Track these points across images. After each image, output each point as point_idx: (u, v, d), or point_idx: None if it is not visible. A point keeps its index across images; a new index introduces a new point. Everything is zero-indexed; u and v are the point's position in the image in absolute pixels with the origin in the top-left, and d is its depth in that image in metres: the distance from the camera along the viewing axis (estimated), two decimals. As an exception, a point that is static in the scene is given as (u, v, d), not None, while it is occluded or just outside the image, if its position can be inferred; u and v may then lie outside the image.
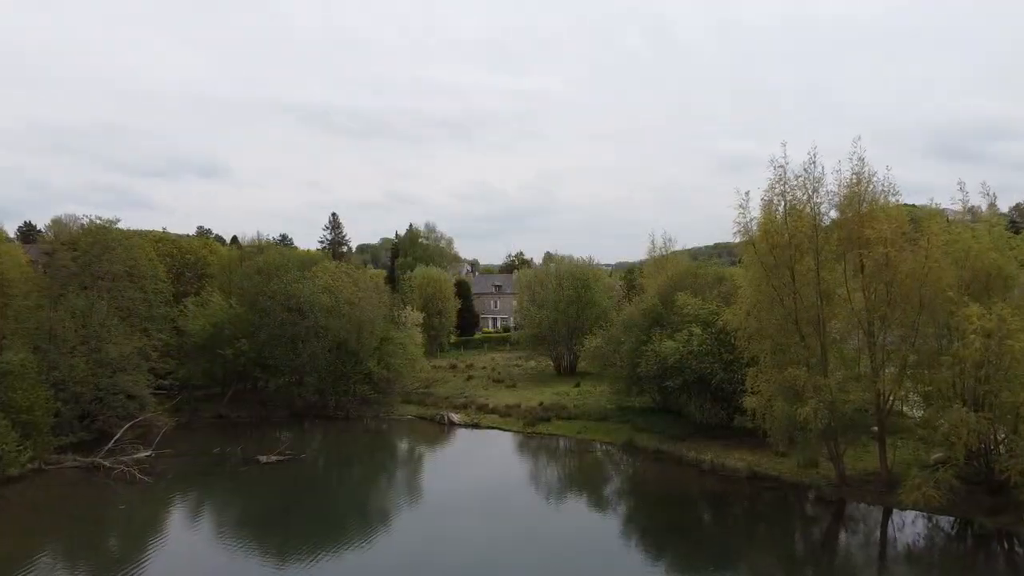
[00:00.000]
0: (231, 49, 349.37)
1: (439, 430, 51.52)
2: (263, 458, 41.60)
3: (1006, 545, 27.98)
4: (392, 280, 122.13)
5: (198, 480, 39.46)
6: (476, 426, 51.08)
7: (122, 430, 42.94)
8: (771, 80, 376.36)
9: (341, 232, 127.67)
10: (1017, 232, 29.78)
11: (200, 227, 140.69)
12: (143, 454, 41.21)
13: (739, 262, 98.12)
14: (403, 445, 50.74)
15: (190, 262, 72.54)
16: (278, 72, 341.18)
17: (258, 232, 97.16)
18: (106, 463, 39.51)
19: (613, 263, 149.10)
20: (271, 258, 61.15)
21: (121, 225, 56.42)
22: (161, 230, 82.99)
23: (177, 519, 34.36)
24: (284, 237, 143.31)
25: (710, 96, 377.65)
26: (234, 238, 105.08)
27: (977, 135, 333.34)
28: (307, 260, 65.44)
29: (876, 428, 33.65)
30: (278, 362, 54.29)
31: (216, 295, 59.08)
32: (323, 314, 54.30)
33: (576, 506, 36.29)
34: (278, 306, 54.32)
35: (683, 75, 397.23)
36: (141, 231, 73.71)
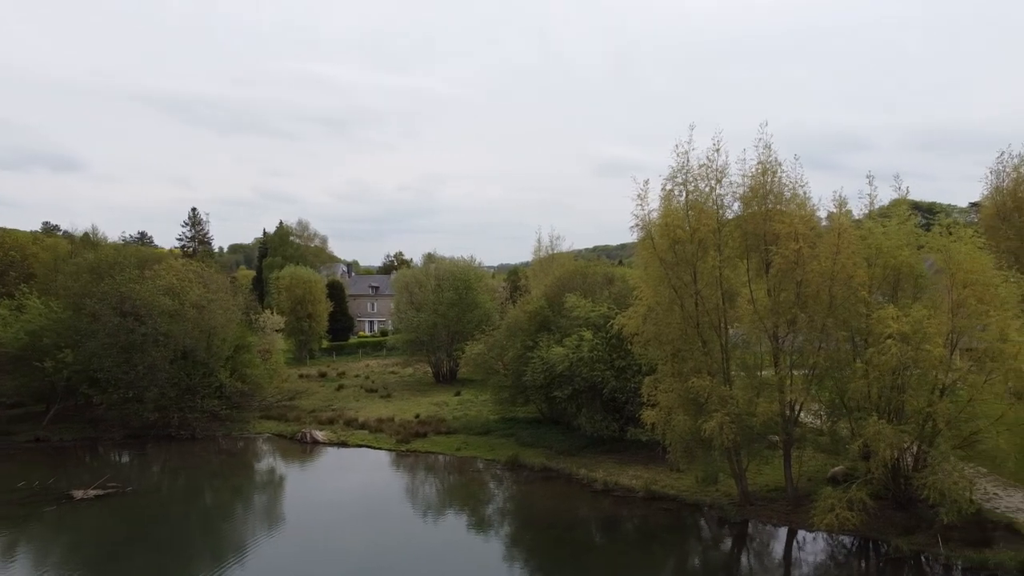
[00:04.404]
0: (88, 29, 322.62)
1: (301, 450, 45.59)
2: (79, 493, 34.55)
3: (913, 563, 25.76)
4: (259, 281, 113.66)
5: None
6: (343, 444, 45.48)
7: None
8: (651, 87, 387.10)
9: (203, 229, 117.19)
10: (928, 228, 27.71)
11: (46, 223, 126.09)
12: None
13: (621, 262, 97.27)
14: (258, 468, 44.38)
15: (15, 260, 63.04)
16: (141, 58, 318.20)
17: (93, 226, 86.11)
18: None
19: (496, 265, 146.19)
20: (105, 255, 53.02)
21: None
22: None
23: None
24: (143, 235, 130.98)
25: (589, 98, 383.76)
26: (85, 235, 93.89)
27: (834, 146, 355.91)
28: (150, 258, 57.51)
29: (777, 438, 31.14)
30: (109, 375, 46.59)
31: (32, 298, 50.34)
32: (164, 319, 47.08)
33: (453, 532, 31.65)
34: (109, 310, 46.64)
35: (565, 79, 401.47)
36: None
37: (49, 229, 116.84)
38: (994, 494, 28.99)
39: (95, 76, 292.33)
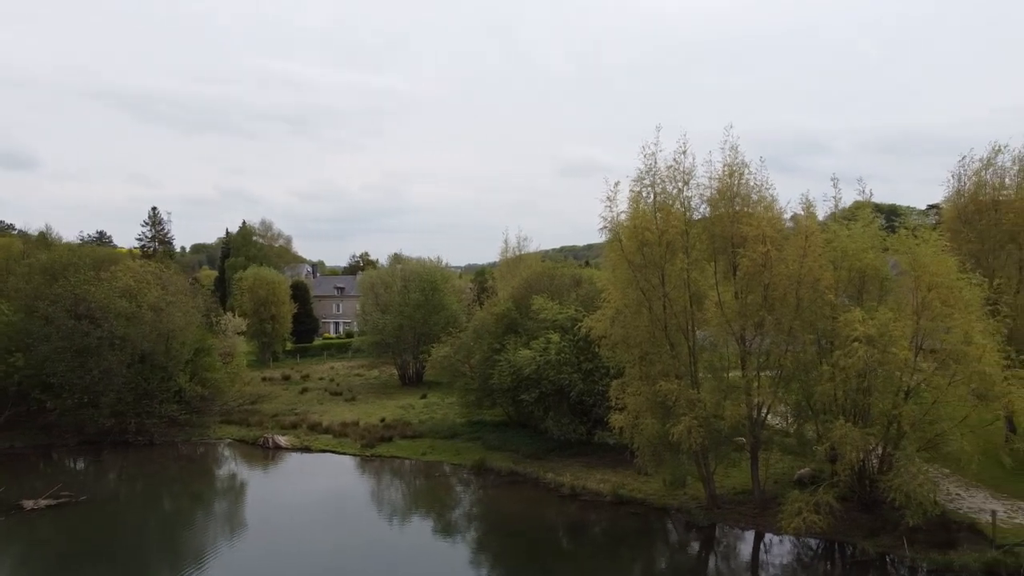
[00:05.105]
0: (44, 23, 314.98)
1: (263, 455, 44.55)
2: (29, 503, 33.26)
3: (879, 566, 25.83)
4: (222, 282, 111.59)
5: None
6: (307, 449, 44.50)
7: None
8: (618, 88, 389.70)
9: (163, 229, 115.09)
10: (894, 231, 27.85)
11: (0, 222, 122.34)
12: None
13: (587, 263, 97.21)
14: (219, 474, 43.27)
15: (-36, 260, 60.83)
16: (101, 54, 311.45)
17: (47, 225, 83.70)
18: None
19: (463, 265, 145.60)
20: (59, 255, 51.36)
21: None
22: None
23: None
24: (102, 235, 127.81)
25: (557, 99, 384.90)
26: (40, 234, 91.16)
27: (792, 149, 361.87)
28: (106, 258, 55.85)
29: (744, 440, 31.11)
30: (63, 380, 45.05)
31: (-20, 300, 48.61)
32: (121, 322, 45.69)
33: (419, 536, 31.17)
34: (63, 312, 45.14)
35: (534, 80, 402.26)
36: None
37: (2, 228, 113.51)
38: (956, 495, 29.31)
39: (51, 71, 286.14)
